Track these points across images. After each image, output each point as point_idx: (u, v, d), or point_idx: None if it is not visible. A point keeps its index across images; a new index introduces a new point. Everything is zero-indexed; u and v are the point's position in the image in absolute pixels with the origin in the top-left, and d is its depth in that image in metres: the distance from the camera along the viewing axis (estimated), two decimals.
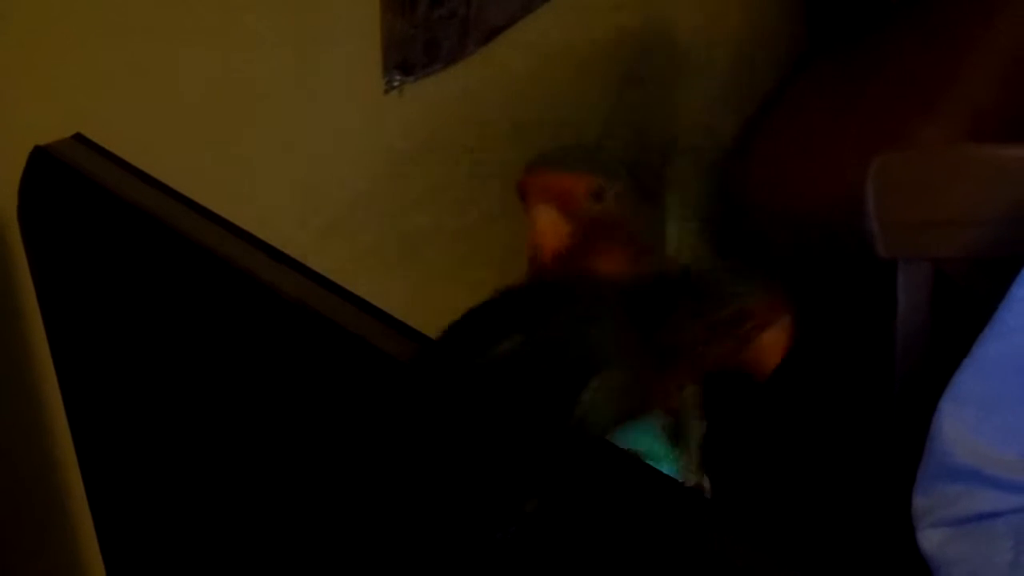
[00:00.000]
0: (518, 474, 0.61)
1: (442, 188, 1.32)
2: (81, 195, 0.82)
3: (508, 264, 1.51)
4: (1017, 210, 1.24)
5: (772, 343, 0.57)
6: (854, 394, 1.55)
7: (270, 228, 0.89)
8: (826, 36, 1.96)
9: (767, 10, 1.95)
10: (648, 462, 0.69)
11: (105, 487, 0.97)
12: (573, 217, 0.63)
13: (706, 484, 0.69)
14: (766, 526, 0.77)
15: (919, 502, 1.12)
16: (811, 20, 2.04)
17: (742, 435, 1.73)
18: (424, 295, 1.28)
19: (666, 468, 0.75)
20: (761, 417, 1.70)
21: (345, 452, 0.75)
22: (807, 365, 1.62)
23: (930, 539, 1.11)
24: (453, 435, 0.61)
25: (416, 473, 0.67)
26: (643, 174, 0.66)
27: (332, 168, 1.20)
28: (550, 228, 0.62)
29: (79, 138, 0.86)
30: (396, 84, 1.20)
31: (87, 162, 0.82)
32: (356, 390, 0.73)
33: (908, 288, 1.29)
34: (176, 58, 1.05)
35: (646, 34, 1.69)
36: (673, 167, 0.66)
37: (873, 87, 1.74)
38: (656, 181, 0.66)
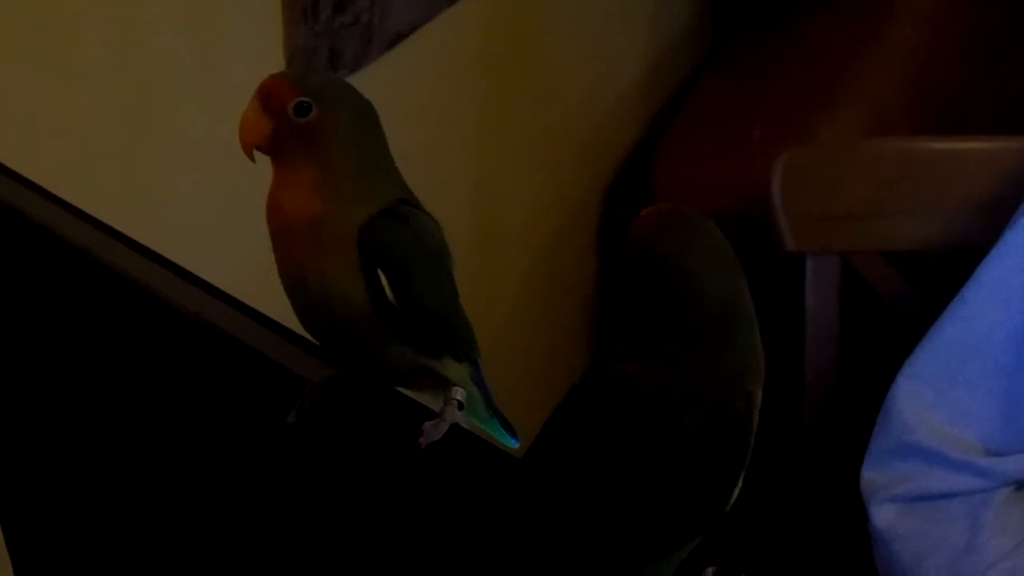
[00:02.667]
0: None
1: None
2: None
3: None
4: (921, 202, 1.26)
5: None
6: (767, 388, 1.57)
7: (171, 240, 0.88)
8: (732, 34, 1.98)
9: (675, 7, 1.96)
10: None
11: (14, 506, 0.96)
12: (275, 120, 0.65)
13: None
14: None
15: (870, 477, 1.13)
16: (717, 19, 2.06)
17: None
18: None
19: None
20: None
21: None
22: None
23: (881, 515, 1.12)
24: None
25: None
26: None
27: (236, 179, 1.19)
28: (250, 121, 0.66)
29: None
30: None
31: None
32: (257, 402, 0.73)
33: (817, 282, 1.30)
34: (73, 72, 1.03)
35: (550, 37, 1.69)
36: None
37: (778, 84, 1.76)
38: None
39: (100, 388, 0.83)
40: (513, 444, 0.77)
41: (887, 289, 1.31)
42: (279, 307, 0.79)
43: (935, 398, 1.12)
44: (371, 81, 1.31)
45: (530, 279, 1.71)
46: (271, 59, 1.19)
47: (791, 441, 1.36)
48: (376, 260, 0.68)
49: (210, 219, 1.19)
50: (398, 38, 1.33)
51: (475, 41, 1.51)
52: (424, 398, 0.73)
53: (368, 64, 1.29)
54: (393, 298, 0.68)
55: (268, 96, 0.68)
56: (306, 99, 0.67)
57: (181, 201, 1.17)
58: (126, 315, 0.79)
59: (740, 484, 0.62)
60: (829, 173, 1.28)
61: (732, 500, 0.62)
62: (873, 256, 1.29)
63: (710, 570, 0.64)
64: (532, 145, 1.66)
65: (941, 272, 1.22)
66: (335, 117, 0.69)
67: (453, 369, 0.72)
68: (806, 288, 1.30)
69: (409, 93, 1.40)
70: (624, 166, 1.81)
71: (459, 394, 0.71)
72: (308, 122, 0.68)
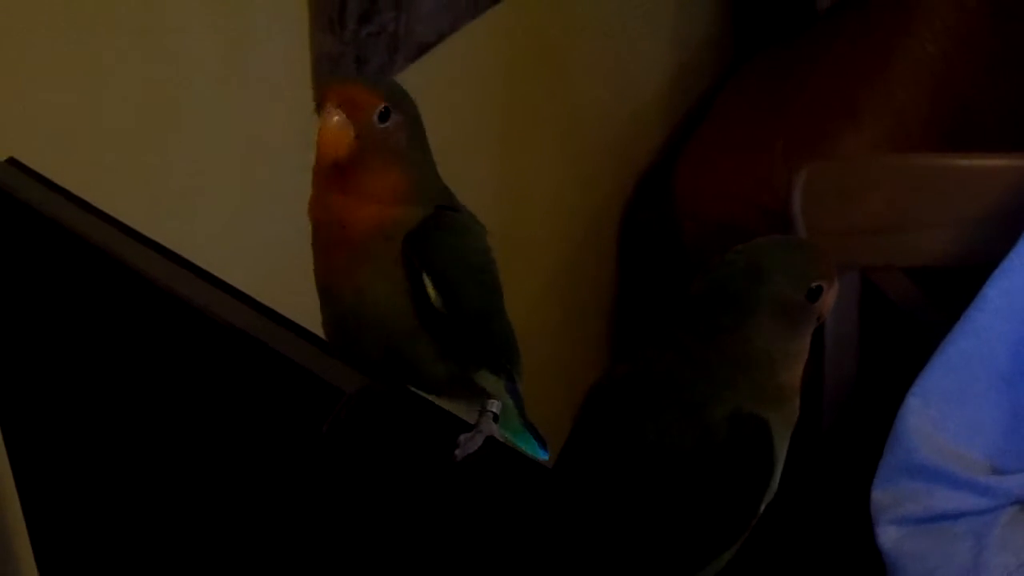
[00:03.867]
0: None
1: None
2: (15, 220, 0.82)
3: None
4: (942, 217, 1.26)
5: None
6: None
7: (198, 247, 0.89)
8: (753, 45, 1.98)
9: (697, 20, 1.96)
10: None
11: (42, 511, 0.97)
12: (358, 129, 0.63)
13: None
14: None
15: (879, 496, 1.13)
16: (738, 29, 2.06)
17: None
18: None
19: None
20: None
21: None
22: None
23: (889, 534, 1.12)
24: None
25: None
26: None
27: (263, 187, 1.20)
28: (335, 132, 0.63)
29: (12, 162, 0.86)
30: None
31: (21, 186, 0.82)
32: (291, 411, 0.74)
33: (836, 296, 1.30)
34: (102, 79, 1.04)
35: (574, 47, 1.70)
36: None
37: (799, 96, 1.77)
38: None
39: (134, 395, 0.83)
40: (543, 456, 0.77)
41: (907, 303, 1.31)
42: (301, 313, 0.80)
43: (942, 416, 1.12)
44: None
45: (551, 285, 1.72)
46: (296, 66, 1.20)
47: (809, 454, 1.37)
48: (423, 265, 0.67)
49: (231, 222, 1.20)
50: (424, 48, 1.34)
51: (499, 51, 1.52)
52: (457, 407, 0.73)
53: (393, 74, 1.30)
54: (440, 304, 0.67)
55: (352, 103, 0.65)
56: (388, 104, 0.66)
57: (205, 204, 1.18)
58: (158, 323, 0.80)
59: (774, 486, 0.62)
60: (849, 187, 1.28)
61: (765, 502, 0.62)
62: (893, 270, 1.30)
63: None
64: (555, 153, 1.67)
65: (961, 287, 1.23)
66: (409, 121, 0.67)
67: (490, 381, 0.72)
68: None
69: (434, 102, 1.41)
70: (645, 175, 1.82)
71: (494, 406, 0.71)
72: (388, 128, 0.66)
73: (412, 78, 1.34)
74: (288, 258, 1.27)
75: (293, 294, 0.89)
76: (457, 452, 0.68)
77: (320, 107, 0.65)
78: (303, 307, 0.84)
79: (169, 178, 1.13)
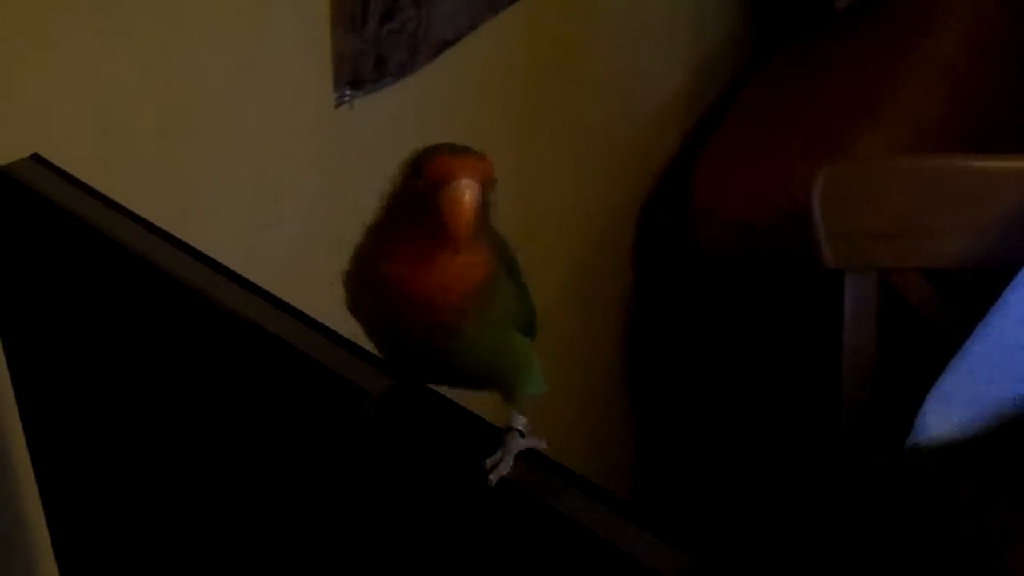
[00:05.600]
0: None
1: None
2: (39, 216, 0.82)
3: None
4: (960, 220, 1.26)
5: None
6: (802, 402, 1.57)
7: (217, 242, 0.89)
8: (771, 45, 1.98)
9: (716, 20, 1.96)
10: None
11: (63, 504, 0.97)
12: (482, 200, 0.65)
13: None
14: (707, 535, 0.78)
15: None
16: (757, 30, 2.06)
17: (686, 442, 1.75)
18: None
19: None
20: (709, 424, 1.71)
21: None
22: (754, 373, 1.64)
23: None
24: None
25: None
26: None
27: (282, 183, 1.20)
28: (475, 205, 0.64)
29: (37, 159, 0.86)
30: (347, 99, 1.20)
31: (45, 183, 0.82)
32: (309, 410, 0.74)
33: (854, 298, 1.30)
34: (123, 77, 1.04)
35: (592, 47, 1.70)
36: None
37: (817, 97, 1.76)
38: None
39: (150, 390, 0.84)
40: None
41: (925, 306, 1.31)
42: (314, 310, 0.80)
43: (961, 419, 1.12)
44: (416, 88, 1.32)
45: (567, 284, 1.72)
46: (318, 64, 1.20)
47: (828, 454, 1.37)
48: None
49: (247, 220, 1.20)
50: (443, 46, 1.34)
51: (518, 49, 1.52)
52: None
53: (414, 72, 1.30)
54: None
55: (484, 179, 0.66)
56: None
57: (221, 203, 1.18)
58: (179, 319, 0.80)
59: None
60: (868, 189, 1.28)
61: None
62: (911, 273, 1.30)
63: None
64: (572, 153, 1.67)
65: (980, 289, 1.22)
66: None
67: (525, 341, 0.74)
68: (844, 303, 1.31)
69: (452, 100, 1.41)
70: (663, 176, 1.82)
71: (519, 423, 0.72)
72: (493, 197, 0.68)
73: (431, 76, 1.34)
74: (303, 257, 1.28)
75: (308, 291, 0.90)
76: (491, 477, 0.69)
77: (440, 178, 0.65)
78: (315, 303, 0.85)
79: (186, 177, 1.14)
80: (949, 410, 1.13)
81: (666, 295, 1.78)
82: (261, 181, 1.21)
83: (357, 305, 0.71)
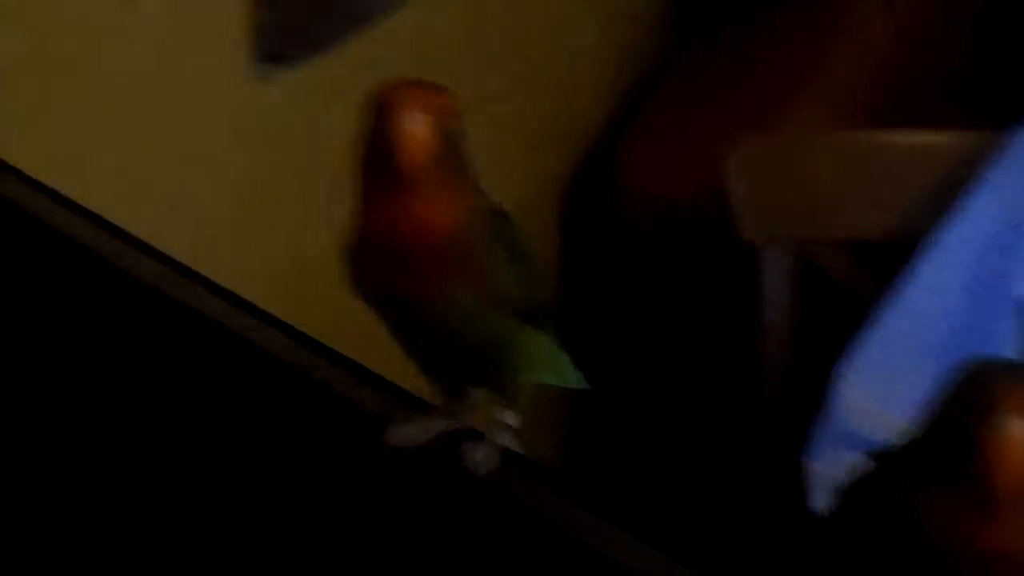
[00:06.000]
0: None
1: (312, 177, 1.32)
2: None
3: None
4: (877, 194, 1.28)
5: None
6: (727, 374, 1.59)
7: (137, 217, 0.89)
8: (698, 25, 1.99)
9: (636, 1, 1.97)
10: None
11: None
12: (443, 136, 0.60)
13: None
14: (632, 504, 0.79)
15: (814, 467, 1.15)
16: (684, 8, 2.07)
17: (612, 416, 1.76)
18: (293, 281, 1.29)
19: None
20: (636, 397, 1.73)
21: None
22: (680, 347, 1.66)
23: (823, 501, 1.14)
24: None
25: None
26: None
27: (200, 157, 1.20)
28: (425, 139, 0.60)
29: None
30: (267, 72, 1.20)
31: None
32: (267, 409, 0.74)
33: (774, 271, 1.32)
34: (40, 48, 1.04)
35: (520, 26, 1.70)
36: None
37: (743, 76, 1.78)
38: None
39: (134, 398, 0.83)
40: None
41: (843, 278, 1.33)
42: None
43: (875, 388, 1.14)
44: (339, 62, 1.32)
45: None
46: (237, 37, 1.20)
47: (749, 426, 1.38)
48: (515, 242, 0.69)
49: (167, 194, 1.20)
50: (366, 19, 1.34)
51: (444, 24, 1.52)
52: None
53: (335, 45, 1.30)
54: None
55: (440, 112, 0.63)
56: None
57: (142, 178, 1.17)
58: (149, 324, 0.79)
59: None
60: (785, 164, 1.30)
61: None
62: (829, 246, 1.31)
63: None
64: (498, 131, 1.67)
65: (897, 261, 1.24)
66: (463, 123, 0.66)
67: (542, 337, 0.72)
68: (763, 277, 1.32)
69: (374, 74, 1.41)
70: (589, 154, 1.83)
71: (508, 417, 0.71)
72: (458, 130, 0.65)
73: (351, 50, 1.34)
74: (227, 230, 1.27)
75: (232, 265, 0.90)
76: (469, 465, 0.68)
77: (391, 110, 0.62)
78: (240, 277, 0.85)
79: (105, 153, 1.13)
80: (862, 379, 1.16)
81: (593, 271, 1.79)
82: (183, 156, 1.21)
83: (358, 280, 0.68)
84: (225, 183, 1.26)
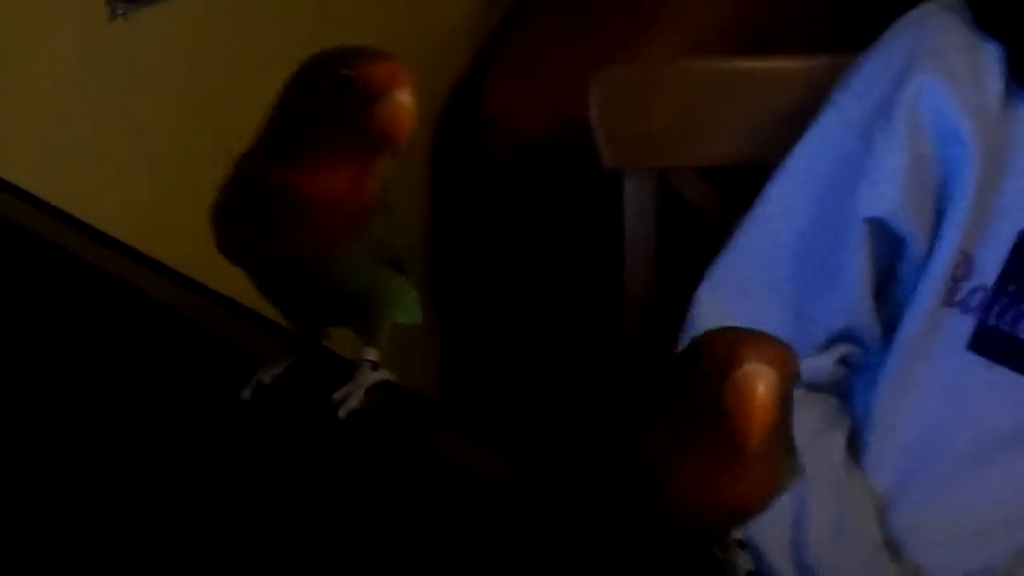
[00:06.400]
0: None
1: (167, 118, 1.31)
2: None
3: None
4: (730, 119, 1.31)
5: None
6: (589, 302, 1.62)
7: None
8: None
9: None
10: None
11: None
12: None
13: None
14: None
15: None
16: None
17: (485, 346, 1.79)
18: (155, 217, 1.28)
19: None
20: (509, 328, 1.75)
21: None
22: (545, 274, 1.68)
23: None
24: None
25: None
26: None
27: (57, 99, 1.19)
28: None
29: None
30: (120, 12, 1.19)
31: None
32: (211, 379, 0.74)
33: (634, 198, 1.34)
34: None
35: None
36: None
37: (601, 8, 1.79)
38: None
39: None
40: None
41: (701, 203, 1.36)
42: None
43: (730, 308, 1.17)
44: (183, 14, 1.31)
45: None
46: None
47: (612, 353, 1.41)
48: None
49: (23, 142, 1.19)
50: None
51: None
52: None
53: None
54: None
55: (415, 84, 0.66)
56: None
57: None
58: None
59: None
60: (643, 92, 1.32)
61: None
62: (687, 171, 1.34)
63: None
64: None
65: (753, 185, 1.27)
66: None
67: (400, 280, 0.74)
68: (624, 204, 1.35)
69: (233, 15, 1.41)
70: (453, 90, 1.84)
71: (371, 354, 0.73)
72: None
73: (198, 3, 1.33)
74: (83, 173, 1.27)
75: (93, 205, 0.90)
76: (340, 412, 0.70)
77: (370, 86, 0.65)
78: (101, 220, 0.85)
79: None
80: (719, 298, 1.19)
81: (462, 204, 1.81)
82: (34, 99, 1.20)
83: (232, 230, 0.70)
84: (81, 124, 1.25)
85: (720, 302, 1.18)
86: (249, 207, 0.69)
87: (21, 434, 0.81)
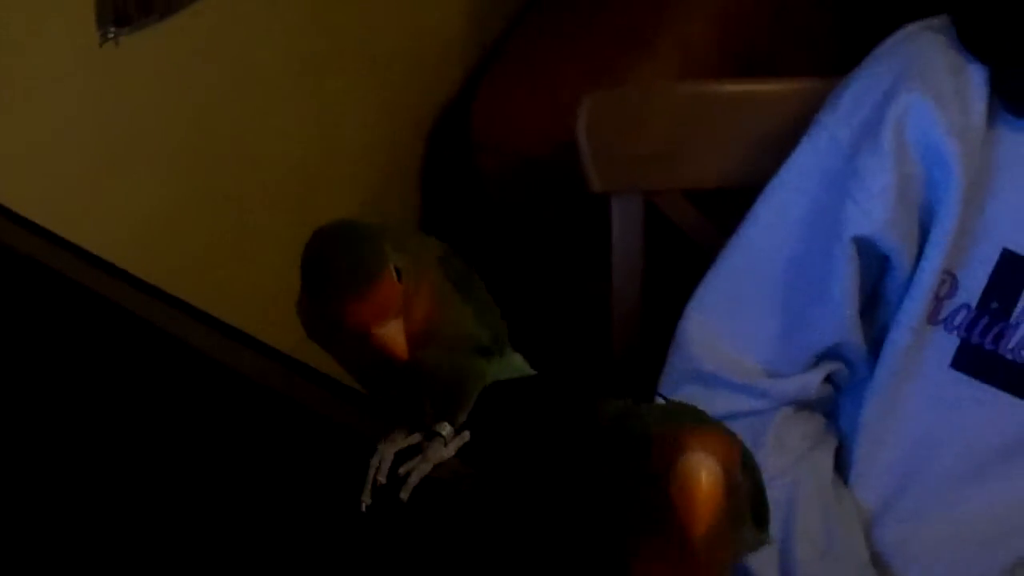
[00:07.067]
0: None
1: (160, 141, 1.32)
2: None
3: (233, 215, 1.52)
4: (717, 142, 1.32)
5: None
6: (577, 322, 1.62)
7: None
8: None
9: None
10: None
11: None
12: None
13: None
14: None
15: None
16: None
17: None
18: (142, 247, 1.29)
19: None
20: None
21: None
22: (530, 294, 1.69)
23: None
24: None
25: None
26: None
27: (47, 124, 1.20)
28: (398, 338, 0.63)
29: None
30: (111, 36, 1.20)
31: None
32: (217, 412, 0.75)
33: (621, 221, 1.35)
34: None
35: None
36: None
37: (592, 29, 1.81)
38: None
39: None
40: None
41: (688, 226, 1.37)
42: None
43: (719, 327, 1.18)
44: (188, 25, 1.32)
45: (357, 215, 1.74)
46: (79, 1, 1.20)
47: (600, 374, 1.42)
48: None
49: (17, 167, 1.20)
50: None
51: None
52: None
53: (182, 9, 1.30)
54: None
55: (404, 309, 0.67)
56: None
57: None
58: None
59: None
60: (629, 115, 1.33)
61: None
62: (674, 194, 1.35)
63: None
64: (355, 88, 1.69)
65: (738, 207, 1.28)
66: None
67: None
68: (612, 227, 1.35)
69: (227, 38, 1.42)
70: (445, 111, 1.85)
71: (444, 429, 0.75)
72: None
73: (202, 12, 1.34)
74: (78, 197, 1.27)
75: (86, 231, 0.91)
76: (402, 494, 0.72)
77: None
78: (96, 242, 0.86)
79: None
80: (707, 317, 1.20)
81: (452, 224, 1.82)
82: (26, 124, 1.20)
83: (314, 331, 0.71)
84: (74, 147, 1.26)
85: (708, 320, 1.19)
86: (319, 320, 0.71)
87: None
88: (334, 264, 0.65)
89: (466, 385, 0.75)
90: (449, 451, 0.74)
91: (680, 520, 0.58)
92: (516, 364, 0.81)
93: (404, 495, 0.72)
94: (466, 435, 0.76)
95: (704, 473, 0.58)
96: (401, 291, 0.66)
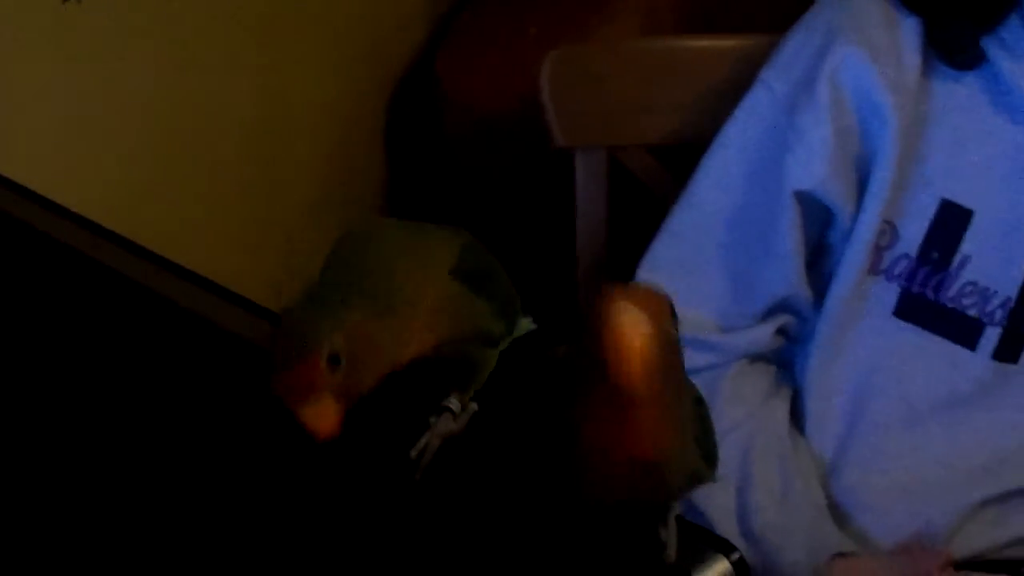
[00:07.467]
0: None
1: (125, 101, 1.32)
2: None
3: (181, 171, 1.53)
4: (679, 98, 1.33)
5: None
6: (541, 275, 1.64)
7: None
8: None
9: None
10: None
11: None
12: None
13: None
14: None
15: None
16: None
17: None
18: (111, 206, 1.29)
19: None
20: None
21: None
22: (495, 249, 1.70)
23: None
24: None
25: None
26: None
27: (10, 84, 1.20)
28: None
29: None
30: None
31: None
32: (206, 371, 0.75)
33: (585, 176, 1.37)
34: None
35: None
36: None
37: None
38: None
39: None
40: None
41: (651, 180, 1.38)
42: None
43: (671, 283, 1.19)
44: None
45: (325, 180, 1.75)
46: None
47: (564, 327, 1.43)
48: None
49: None
50: None
51: None
52: None
53: None
54: None
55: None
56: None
57: None
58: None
59: None
60: (594, 70, 1.34)
61: None
62: (637, 149, 1.36)
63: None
64: (317, 46, 1.69)
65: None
66: None
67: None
68: (576, 182, 1.37)
69: (177, 8, 1.41)
70: (409, 69, 1.85)
71: (453, 403, 0.76)
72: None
73: None
74: (48, 153, 1.28)
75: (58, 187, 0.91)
76: (414, 455, 0.73)
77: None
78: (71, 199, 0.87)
79: None
80: (659, 275, 1.21)
81: (417, 181, 1.83)
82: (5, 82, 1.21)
83: None
84: (41, 106, 1.26)
85: (659, 279, 1.20)
86: None
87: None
88: (274, 341, 0.68)
89: (475, 374, 0.77)
90: (459, 425, 0.76)
91: (612, 367, 0.60)
92: (523, 326, 0.83)
93: (417, 476, 0.73)
94: (473, 407, 0.77)
95: (628, 318, 0.60)
96: (331, 372, 0.66)
